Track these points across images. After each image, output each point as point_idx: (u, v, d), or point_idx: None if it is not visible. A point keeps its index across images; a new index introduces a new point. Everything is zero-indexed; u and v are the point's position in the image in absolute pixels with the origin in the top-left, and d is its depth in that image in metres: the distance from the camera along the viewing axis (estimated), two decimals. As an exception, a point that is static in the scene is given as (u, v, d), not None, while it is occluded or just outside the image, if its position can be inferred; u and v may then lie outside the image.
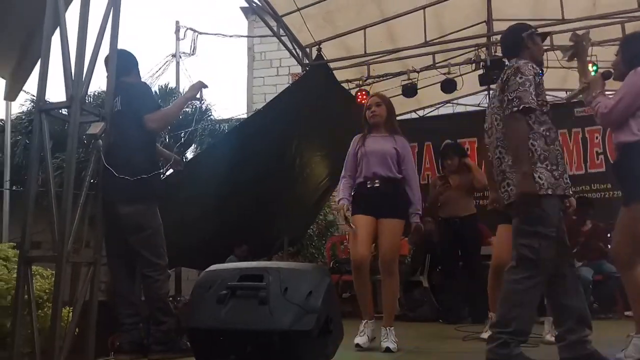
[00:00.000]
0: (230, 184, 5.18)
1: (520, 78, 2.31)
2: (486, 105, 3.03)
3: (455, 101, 7.69)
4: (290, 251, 6.50)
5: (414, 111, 7.87)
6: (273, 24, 5.62)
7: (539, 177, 2.26)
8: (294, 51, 5.97)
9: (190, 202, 5.00)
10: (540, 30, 5.71)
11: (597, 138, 6.34)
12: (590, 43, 5.69)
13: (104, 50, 2.75)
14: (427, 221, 5.34)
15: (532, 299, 2.28)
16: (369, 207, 3.18)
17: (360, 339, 3.12)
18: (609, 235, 4.95)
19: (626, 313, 4.58)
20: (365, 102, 3.48)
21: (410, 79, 6.07)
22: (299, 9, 5.27)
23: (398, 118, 7.52)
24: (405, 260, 5.74)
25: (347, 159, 3.37)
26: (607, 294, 5.12)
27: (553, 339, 3.28)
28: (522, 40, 2.52)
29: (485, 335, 3.12)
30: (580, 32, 2.71)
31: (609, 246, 4.65)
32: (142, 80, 3.13)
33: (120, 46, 2.82)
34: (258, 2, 5.20)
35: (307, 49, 6.07)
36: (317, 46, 5.87)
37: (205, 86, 2.91)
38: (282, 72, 11.94)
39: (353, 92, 6.29)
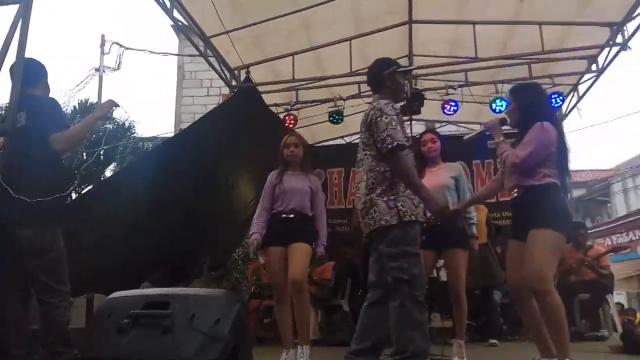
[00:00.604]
0: (152, 203, 5.00)
1: (386, 118, 2.46)
2: (408, 133, 3.24)
3: (380, 129, 7.93)
4: (213, 275, 6.29)
5: (342, 137, 8.04)
6: (202, 44, 5.57)
7: (401, 205, 2.42)
8: (221, 73, 5.94)
9: (107, 222, 4.75)
10: (455, 67, 6.11)
11: (507, 169, 6.74)
12: (500, 80, 6.13)
13: (10, 59, 2.61)
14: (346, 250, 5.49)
15: (419, 318, 2.37)
16: (279, 236, 3.37)
17: None
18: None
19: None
20: (283, 140, 3.58)
21: (337, 106, 6.21)
22: (227, 32, 5.26)
23: (326, 143, 7.66)
24: (329, 284, 5.77)
25: (264, 193, 3.51)
26: (515, 316, 5.40)
27: (462, 360, 3.44)
28: (382, 78, 2.65)
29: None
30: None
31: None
32: (56, 93, 2.98)
33: (37, 58, 2.69)
34: (185, 22, 5.13)
35: (236, 71, 6.06)
36: (246, 69, 5.88)
37: (117, 105, 2.80)
38: (213, 92, 11.81)
39: (281, 116, 6.33)
